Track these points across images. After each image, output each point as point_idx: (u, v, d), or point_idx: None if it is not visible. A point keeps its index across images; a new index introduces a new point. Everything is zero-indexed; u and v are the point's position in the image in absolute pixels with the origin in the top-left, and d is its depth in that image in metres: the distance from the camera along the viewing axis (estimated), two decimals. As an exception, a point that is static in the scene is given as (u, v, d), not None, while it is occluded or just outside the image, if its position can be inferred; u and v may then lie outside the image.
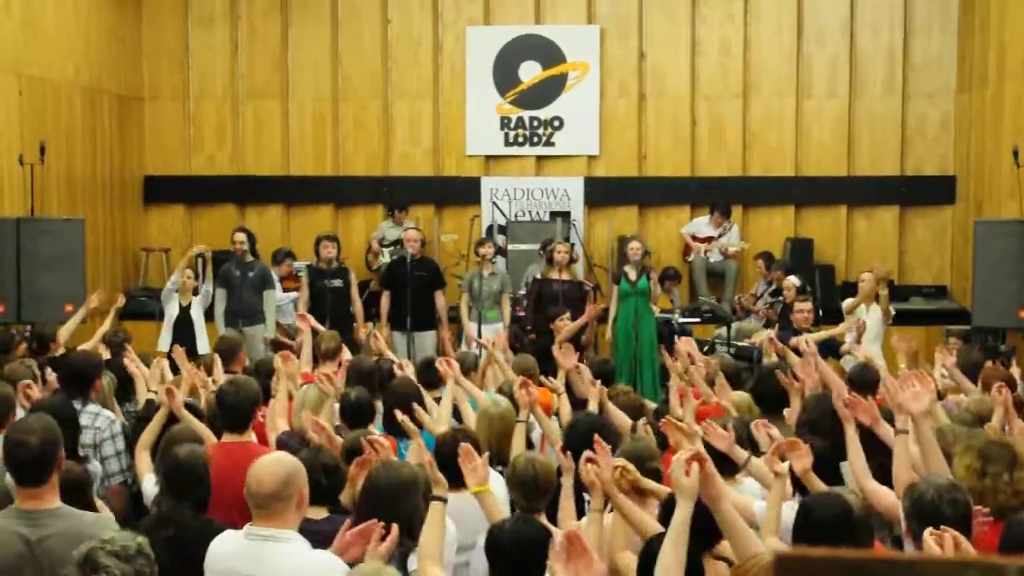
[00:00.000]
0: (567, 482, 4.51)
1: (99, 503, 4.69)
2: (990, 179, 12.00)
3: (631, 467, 4.27)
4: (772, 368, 6.56)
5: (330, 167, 13.72)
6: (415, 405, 5.51)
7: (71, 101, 11.87)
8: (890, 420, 4.86)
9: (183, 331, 9.94)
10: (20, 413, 5.44)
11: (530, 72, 13.46)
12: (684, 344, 7.48)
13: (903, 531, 3.96)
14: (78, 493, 4.36)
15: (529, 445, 5.75)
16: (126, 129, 13.21)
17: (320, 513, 4.38)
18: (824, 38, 13.39)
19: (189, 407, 5.76)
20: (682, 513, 3.44)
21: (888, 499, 4.47)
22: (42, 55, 11.29)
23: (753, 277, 12.81)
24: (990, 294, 10.48)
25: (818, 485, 4.38)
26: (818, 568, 1.35)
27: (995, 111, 11.86)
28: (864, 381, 6.56)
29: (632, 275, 10.47)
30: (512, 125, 13.50)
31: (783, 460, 4.47)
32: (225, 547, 3.81)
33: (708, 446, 4.64)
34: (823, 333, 8.97)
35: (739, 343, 10.87)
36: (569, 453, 4.53)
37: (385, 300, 10.83)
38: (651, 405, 7.15)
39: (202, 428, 5.46)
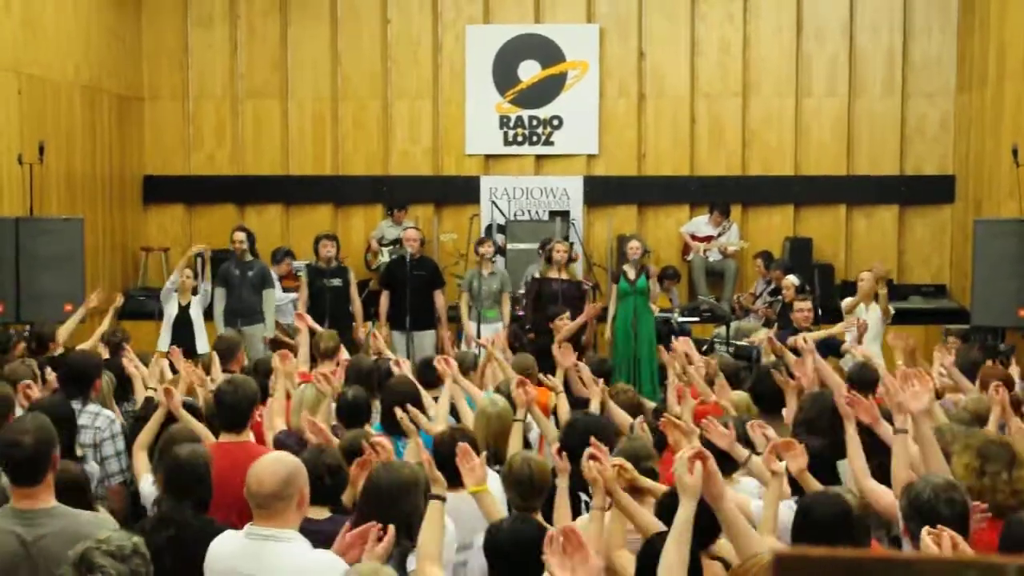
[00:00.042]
0: (562, 483, 4.52)
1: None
2: (989, 178, 12.00)
3: (629, 466, 4.28)
4: (770, 367, 6.57)
5: (329, 166, 13.72)
6: (408, 406, 5.50)
7: (71, 100, 11.87)
8: (889, 420, 4.86)
9: (182, 331, 9.94)
10: (20, 413, 5.43)
11: (529, 71, 13.46)
12: (681, 344, 7.47)
13: (901, 530, 3.96)
14: (77, 493, 4.35)
15: (527, 445, 5.74)
16: (125, 128, 13.21)
17: (322, 513, 4.38)
18: (824, 37, 13.39)
19: (188, 407, 5.76)
20: (685, 512, 3.44)
21: (886, 498, 4.47)
22: (42, 54, 11.29)
23: (752, 276, 12.82)
24: (989, 293, 10.48)
25: (814, 485, 4.39)
26: (817, 567, 1.35)
27: (994, 111, 11.87)
28: (863, 380, 6.57)
29: (631, 274, 10.47)
30: (511, 124, 13.50)
31: (779, 460, 4.48)
32: (225, 547, 3.81)
33: (708, 444, 4.64)
34: (822, 332, 8.97)
35: (738, 342, 10.87)
36: (565, 454, 4.53)
37: (384, 299, 10.82)
38: (649, 404, 7.15)
39: (201, 428, 5.46)
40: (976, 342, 10.03)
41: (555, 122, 13.46)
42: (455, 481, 4.31)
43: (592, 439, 4.32)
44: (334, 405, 5.93)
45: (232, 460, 4.64)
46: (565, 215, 12.93)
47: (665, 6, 13.43)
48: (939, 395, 6.61)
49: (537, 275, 10.84)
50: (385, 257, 12.44)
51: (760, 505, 4.43)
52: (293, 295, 11.16)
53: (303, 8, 13.60)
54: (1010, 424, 5.50)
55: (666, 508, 4.04)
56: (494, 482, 4.63)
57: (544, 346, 9.03)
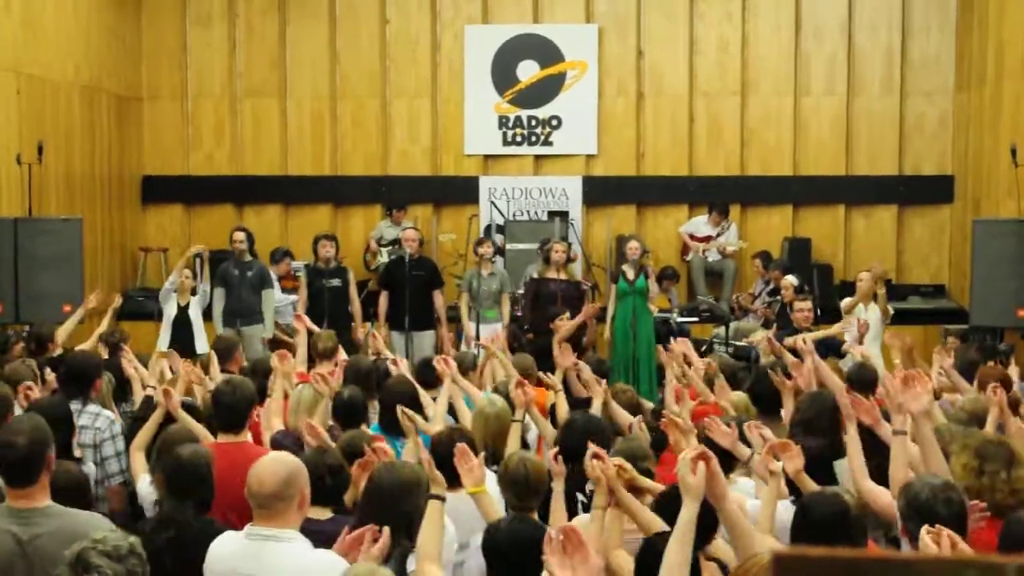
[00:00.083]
0: (558, 486, 4.53)
1: None
2: (988, 178, 12.00)
3: (628, 466, 4.28)
4: (768, 368, 6.56)
5: (328, 166, 13.72)
6: (405, 408, 5.49)
7: (70, 100, 11.87)
8: (889, 421, 4.86)
9: (181, 331, 9.94)
10: (19, 413, 5.43)
11: (528, 71, 13.46)
12: (680, 345, 7.45)
13: (899, 530, 3.96)
14: (77, 494, 4.36)
15: (525, 445, 5.74)
16: (124, 128, 13.21)
17: (324, 514, 4.38)
18: (822, 36, 13.40)
19: (187, 406, 5.76)
20: (688, 512, 3.44)
21: (884, 499, 4.48)
22: (41, 54, 11.29)
23: (751, 276, 12.82)
24: (988, 293, 10.49)
25: (811, 486, 4.39)
26: (816, 567, 1.35)
27: (993, 110, 11.87)
28: (862, 380, 6.57)
29: (630, 274, 10.47)
30: (510, 124, 13.50)
31: (776, 460, 4.48)
32: (226, 548, 3.81)
33: (708, 443, 4.64)
34: (820, 333, 8.97)
35: (737, 343, 10.87)
36: (560, 459, 4.55)
37: (383, 300, 10.81)
38: (648, 405, 7.15)
39: (200, 428, 5.46)
40: (975, 342, 10.03)
41: (554, 122, 13.46)
42: (453, 481, 4.31)
43: (589, 442, 4.33)
44: (331, 405, 5.93)
45: (230, 460, 4.64)
46: (564, 215, 12.93)
47: (664, 5, 13.43)
48: (936, 396, 6.61)
49: (535, 275, 10.84)
50: (384, 257, 12.44)
51: (756, 504, 4.44)
52: (293, 297, 11.15)
53: (302, 7, 13.60)
54: (1008, 424, 5.50)
55: (663, 506, 4.04)
56: (491, 482, 4.63)
57: (543, 346, 9.03)
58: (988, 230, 10.72)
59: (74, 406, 5.82)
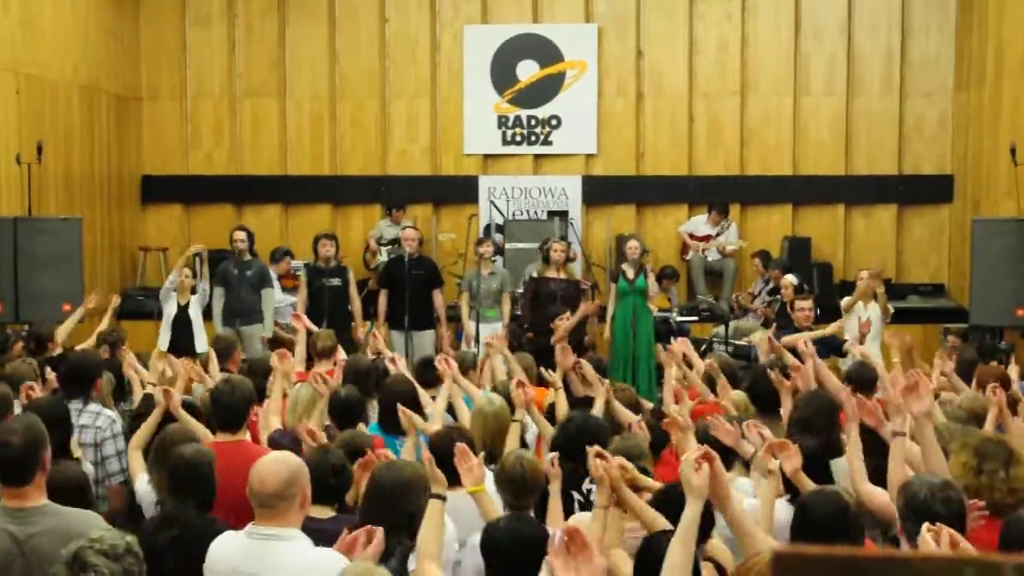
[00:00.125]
0: (555, 488, 4.53)
1: None
2: (988, 177, 12.01)
3: (630, 466, 4.28)
4: (767, 367, 6.56)
5: (328, 166, 13.73)
6: (404, 408, 5.49)
7: (69, 100, 11.86)
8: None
9: (181, 330, 9.93)
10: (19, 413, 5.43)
11: (528, 71, 13.46)
12: (679, 345, 7.43)
13: (898, 530, 3.97)
14: (77, 494, 4.36)
15: (523, 445, 5.74)
16: (124, 128, 13.21)
17: (327, 512, 4.39)
18: (822, 36, 13.40)
19: (187, 405, 5.75)
20: (691, 512, 3.45)
21: (881, 498, 4.49)
22: (40, 54, 11.29)
23: (751, 276, 12.82)
24: (987, 292, 10.49)
25: (808, 485, 4.40)
26: (815, 566, 1.35)
27: (993, 110, 11.87)
28: (862, 379, 6.57)
29: (630, 274, 10.47)
30: (510, 124, 13.50)
31: (774, 459, 4.49)
32: (227, 547, 3.81)
33: (709, 441, 4.64)
34: (816, 332, 8.96)
35: (737, 342, 10.87)
36: (557, 461, 4.55)
37: (383, 299, 10.80)
38: (647, 405, 7.15)
39: (199, 428, 5.45)
40: (974, 341, 10.04)
41: (553, 122, 13.46)
42: (452, 480, 4.31)
43: (592, 442, 4.33)
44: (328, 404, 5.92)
45: (228, 460, 4.64)
46: (564, 215, 12.93)
47: (663, 5, 13.44)
48: (935, 395, 6.61)
49: (535, 275, 10.84)
50: (384, 257, 12.44)
51: (753, 503, 4.45)
52: (293, 298, 11.14)
53: (301, 7, 13.60)
54: (1008, 425, 5.50)
55: (661, 504, 4.05)
56: (488, 482, 4.63)
57: (543, 345, 9.04)
58: (987, 229, 10.73)
59: (75, 405, 5.82)
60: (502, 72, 13.46)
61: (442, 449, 4.48)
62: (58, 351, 7.89)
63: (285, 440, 5.46)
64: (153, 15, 13.61)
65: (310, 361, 7.74)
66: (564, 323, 9.43)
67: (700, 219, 13.24)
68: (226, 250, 11.19)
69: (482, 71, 13.46)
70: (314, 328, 8.31)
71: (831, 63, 13.38)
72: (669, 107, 13.49)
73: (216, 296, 10.48)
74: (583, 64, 13.43)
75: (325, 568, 3.55)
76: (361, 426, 5.80)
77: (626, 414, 6.16)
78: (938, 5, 13.24)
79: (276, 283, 11.19)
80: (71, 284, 10.36)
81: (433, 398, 6.34)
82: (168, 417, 5.54)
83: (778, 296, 10.71)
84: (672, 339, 8.17)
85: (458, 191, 13.43)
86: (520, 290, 11.25)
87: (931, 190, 13.34)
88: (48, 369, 6.64)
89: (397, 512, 3.99)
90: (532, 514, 4.39)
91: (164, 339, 9.91)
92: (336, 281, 10.59)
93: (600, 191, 13.39)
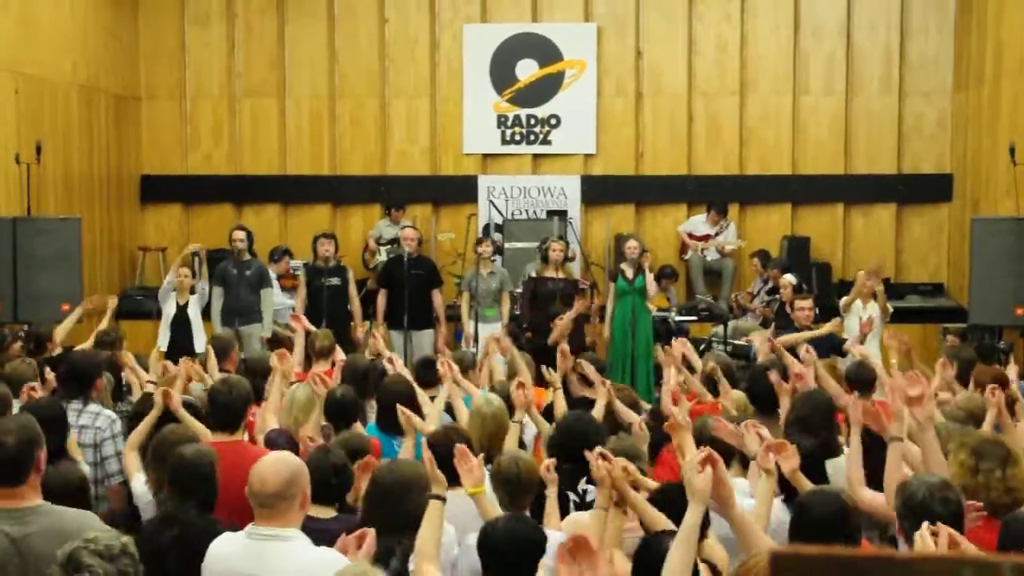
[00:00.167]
0: (552, 492, 4.53)
1: None
2: (987, 177, 12.01)
3: (632, 468, 4.28)
4: (765, 367, 6.55)
5: (327, 166, 13.72)
6: (403, 409, 5.49)
7: (68, 100, 11.86)
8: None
9: (180, 330, 9.94)
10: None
11: (527, 70, 13.46)
12: (679, 346, 7.41)
13: (896, 530, 3.97)
14: (77, 494, 4.36)
15: (521, 445, 5.74)
16: (123, 128, 13.20)
17: (328, 512, 4.39)
18: (821, 35, 13.40)
19: (187, 405, 5.75)
20: (693, 516, 3.44)
21: (878, 503, 4.50)
22: (39, 53, 11.28)
23: (750, 275, 12.82)
24: (987, 292, 10.50)
25: (806, 485, 4.40)
26: (814, 566, 1.35)
27: (992, 109, 11.87)
28: (861, 379, 6.57)
29: (629, 273, 10.48)
30: (509, 123, 13.50)
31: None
32: (227, 548, 3.81)
33: (709, 441, 4.64)
34: (814, 332, 8.95)
35: (736, 341, 10.87)
36: (553, 467, 4.56)
37: (382, 299, 10.80)
38: (645, 406, 7.14)
39: (199, 427, 5.44)
40: (973, 341, 10.04)
41: (553, 121, 13.46)
42: (451, 480, 4.31)
43: (591, 442, 4.34)
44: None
45: (225, 460, 4.64)
46: (563, 214, 12.93)
47: (663, 5, 13.43)
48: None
49: (533, 274, 10.85)
50: (383, 256, 12.43)
51: (750, 503, 4.45)
52: (292, 302, 11.12)
53: (300, 6, 13.60)
54: (1006, 426, 5.50)
55: (658, 504, 4.05)
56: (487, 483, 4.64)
57: (542, 345, 9.04)
58: (986, 228, 10.73)
59: (75, 406, 5.82)
60: (501, 71, 13.46)
61: (441, 449, 4.49)
62: (57, 351, 7.88)
63: (281, 440, 5.46)
64: (152, 14, 13.60)
65: (308, 361, 7.74)
66: (560, 323, 9.42)
67: (699, 219, 13.24)
68: (225, 250, 11.19)
69: (481, 70, 13.46)
70: (313, 329, 8.30)
71: (830, 63, 13.38)
72: (668, 107, 13.49)
73: (215, 296, 10.47)
74: (582, 63, 13.43)
75: (326, 568, 3.55)
76: (359, 426, 5.79)
77: (629, 414, 6.16)
78: (937, 5, 13.24)
79: (275, 283, 11.19)
80: (70, 284, 10.36)
81: (432, 399, 6.34)
82: (166, 417, 5.53)
83: (777, 296, 10.71)
84: (673, 339, 8.16)
85: (457, 191, 13.43)
86: (519, 290, 11.25)
87: (930, 189, 13.34)
88: (47, 369, 6.63)
89: (398, 512, 3.99)
90: (528, 514, 4.40)
91: (163, 339, 9.92)
92: (335, 281, 10.59)
93: (599, 191, 13.40)
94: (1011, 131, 11.14)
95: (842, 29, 13.33)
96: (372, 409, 6.35)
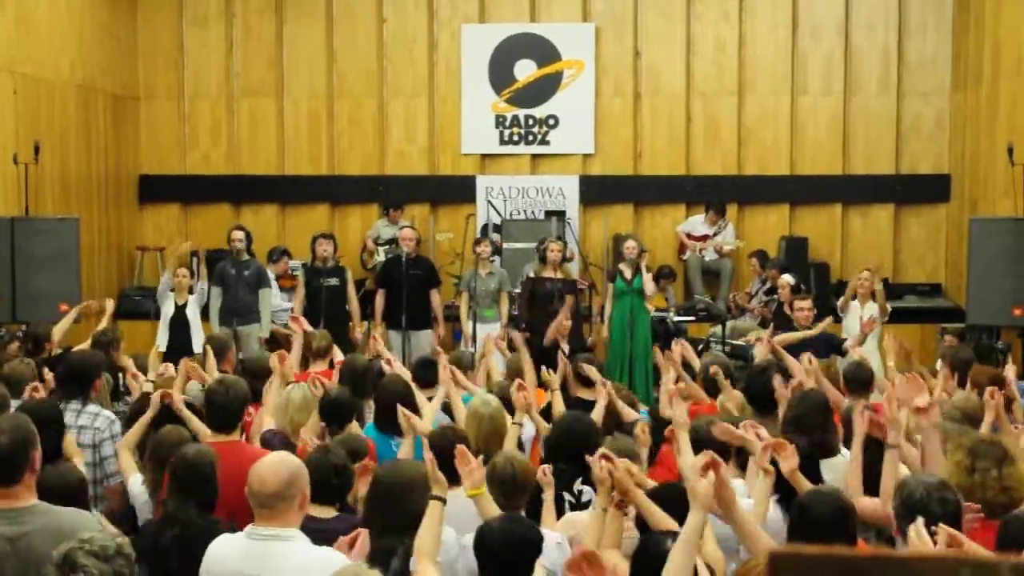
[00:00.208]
0: (548, 495, 4.53)
1: None
2: (985, 177, 12.01)
3: (635, 469, 4.28)
4: (763, 367, 6.54)
5: (325, 166, 13.72)
6: (402, 409, 5.48)
7: (65, 100, 11.85)
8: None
9: (179, 330, 9.93)
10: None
11: (525, 70, 13.46)
12: (679, 348, 7.40)
13: (893, 530, 3.98)
14: (76, 494, 4.35)
15: (520, 446, 5.73)
16: (121, 128, 13.19)
17: (329, 512, 4.39)
18: (819, 35, 13.40)
19: (188, 406, 5.74)
20: (695, 520, 3.44)
21: (875, 508, 4.51)
22: (36, 53, 11.27)
23: (748, 275, 12.83)
24: (985, 292, 10.50)
25: (805, 485, 4.40)
26: (813, 566, 1.35)
27: (990, 109, 11.88)
28: (858, 380, 6.57)
29: (627, 273, 10.48)
30: (507, 123, 13.50)
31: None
32: (226, 548, 3.81)
33: (709, 441, 4.64)
34: (810, 332, 8.95)
35: (734, 341, 10.87)
36: (549, 471, 4.55)
37: (380, 299, 10.80)
38: (643, 407, 7.14)
39: (200, 427, 5.44)
40: (971, 341, 10.04)
41: (551, 121, 13.46)
42: (451, 480, 4.31)
43: (578, 445, 4.35)
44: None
45: (224, 460, 4.64)
46: (561, 214, 12.92)
47: (661, 5, 13.44)
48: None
49: (532, 274, 10.84)
50: (381, 256, 12.43)
51: (747, 504, 4.45)
52: (290, 304, 11.10)
53: (299, 6, 13.60)
54: (1004, 428, 5.49)
55: (655, 502, 4.05)
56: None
57: (540, 345, 9.03)
58: (984, 229, 10.74)
59: (74, 406, 5.81)
60: (500, 71, 13.46)
61: (439, 450, 4.49)
62: (56, 351, 7.88)
63: (276, 440, 5.45)
64: (150, 14, 13.59)
65: (305, 362, 7.73)
66: (553, 323, 9.40)
67: (697, 219, 13.25)
68: (224, 250, 11.19)
69: (480, 70, 13.46)
70: (312, 330, 8.30)
71: (828, 63, 13.39)
72: (666, 107, 13.49)
73: (213, 296, 10.47)
74: (581, 64, 13.43)
75: (325, 568, 3.56)
76: (355, 426, 5.79)
77: (631, 413, 6.16)
78: (935, 5, 13.24)
79: (274, 283, 11.18)
80: (68, 284, 10.35)
81: (430, 399, 6.33)
82: (162, 418, 5.52)
83: (775, 296, 10.71)
84: (673, 340, 8.15)
85: (455, 191, 13.43)
86: (518, 290, 11.25)
87: (928, 190, 13.35)
88: (46, 369, 6.63)
89: (400, 512, 3.99)
90: (523, 514, 4.40)
91: (162, 339, 9.92)
92: (334, 281, 10.59)
93: (597, 191, 13.39)
94: (1009, 131, 11.14)
95: (840, 29, 13.33)
96: (370, 409, 6.35)
